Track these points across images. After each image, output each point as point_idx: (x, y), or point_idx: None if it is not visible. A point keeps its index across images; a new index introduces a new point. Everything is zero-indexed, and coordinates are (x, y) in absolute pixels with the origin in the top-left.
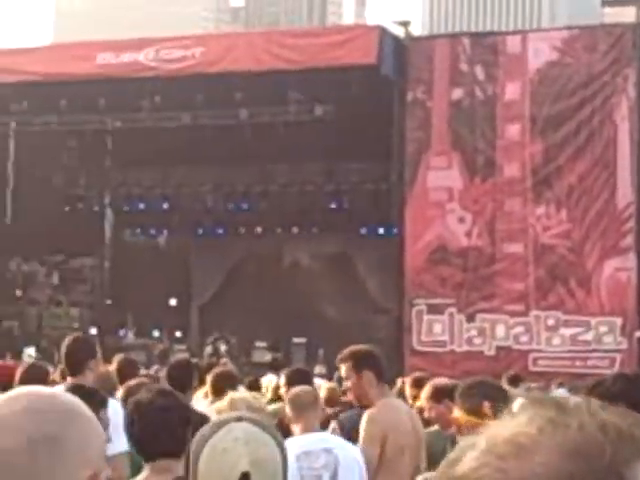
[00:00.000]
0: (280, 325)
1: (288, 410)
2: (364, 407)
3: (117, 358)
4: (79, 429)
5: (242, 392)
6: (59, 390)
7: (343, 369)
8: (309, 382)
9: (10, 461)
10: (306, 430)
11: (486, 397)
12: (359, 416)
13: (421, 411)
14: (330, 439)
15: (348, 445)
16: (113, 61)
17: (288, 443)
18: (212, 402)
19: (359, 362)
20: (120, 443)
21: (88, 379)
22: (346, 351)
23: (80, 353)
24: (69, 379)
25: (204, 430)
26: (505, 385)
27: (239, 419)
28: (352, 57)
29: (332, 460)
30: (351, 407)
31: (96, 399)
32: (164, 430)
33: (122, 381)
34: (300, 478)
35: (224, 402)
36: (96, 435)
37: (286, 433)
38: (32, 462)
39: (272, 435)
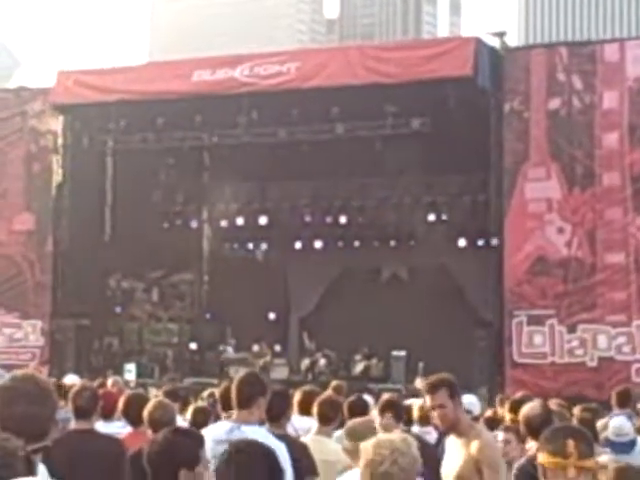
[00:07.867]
0: (379, 338)
1: None
2: (448, 433)
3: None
4: None
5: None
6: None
7: (433, 398)
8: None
9: None
10: None
11: (570, 436)
12: None
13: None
14: None
15: None
16: (209, 78)
17: None
18: (318, 431)
19: (454, 388)
20: None
21: (254, 415)
22: (436, 380)
23: (252, 388)
24: (235, 411)
25: None
26: (614, 406)
27: None
28: (448, 69)
29: None
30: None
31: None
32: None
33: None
34: None
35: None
36: None
37: None
38: None
39: None
